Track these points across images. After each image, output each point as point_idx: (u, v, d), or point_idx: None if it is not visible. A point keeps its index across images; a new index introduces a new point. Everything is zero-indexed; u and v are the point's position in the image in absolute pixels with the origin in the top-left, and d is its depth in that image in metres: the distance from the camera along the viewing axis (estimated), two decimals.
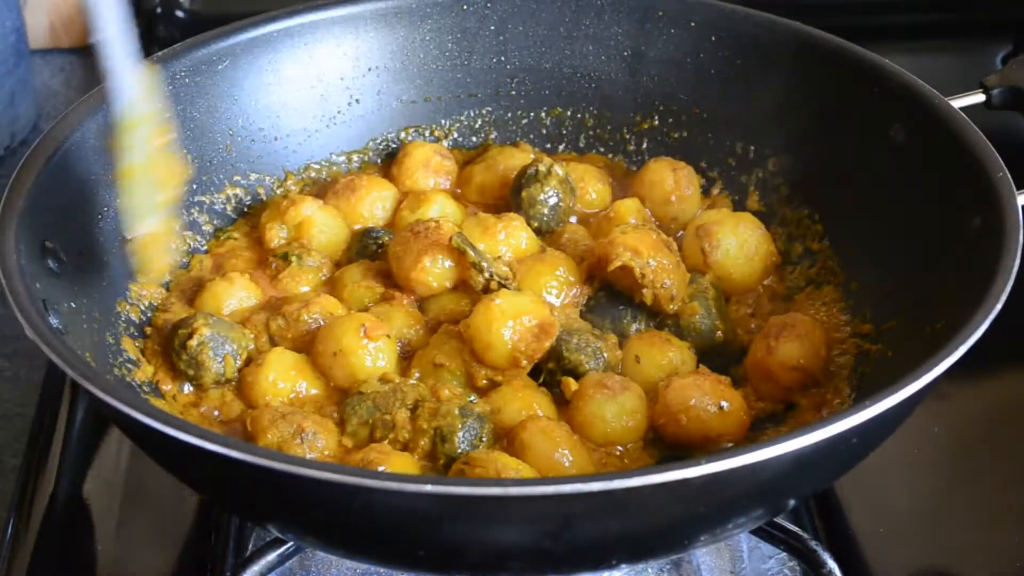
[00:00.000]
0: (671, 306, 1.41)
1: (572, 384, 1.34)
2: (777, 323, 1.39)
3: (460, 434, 1.26)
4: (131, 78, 1.27)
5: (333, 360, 1.35)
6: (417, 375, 1.35)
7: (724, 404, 1.30)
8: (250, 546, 1.34)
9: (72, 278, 1.33)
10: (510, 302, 1.34)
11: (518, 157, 1.60)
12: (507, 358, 1.33)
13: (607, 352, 1.37)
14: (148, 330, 1.41)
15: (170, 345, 1.36)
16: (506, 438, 1.28)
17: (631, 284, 1.40)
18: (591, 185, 1.58)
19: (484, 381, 1.34)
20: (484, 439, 1.27)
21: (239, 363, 1.37)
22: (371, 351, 1.34)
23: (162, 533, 1.39)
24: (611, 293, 1.42)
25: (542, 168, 1.52)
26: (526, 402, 1.31)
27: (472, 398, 1.33)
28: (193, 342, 1.34)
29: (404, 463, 1.24)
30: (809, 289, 1.48)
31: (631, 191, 1.58)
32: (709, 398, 1.30)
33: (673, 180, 1.55)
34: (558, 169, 1.52)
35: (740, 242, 1.48)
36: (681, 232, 1.53)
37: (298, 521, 1.15)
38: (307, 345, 1.38)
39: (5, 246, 1.23)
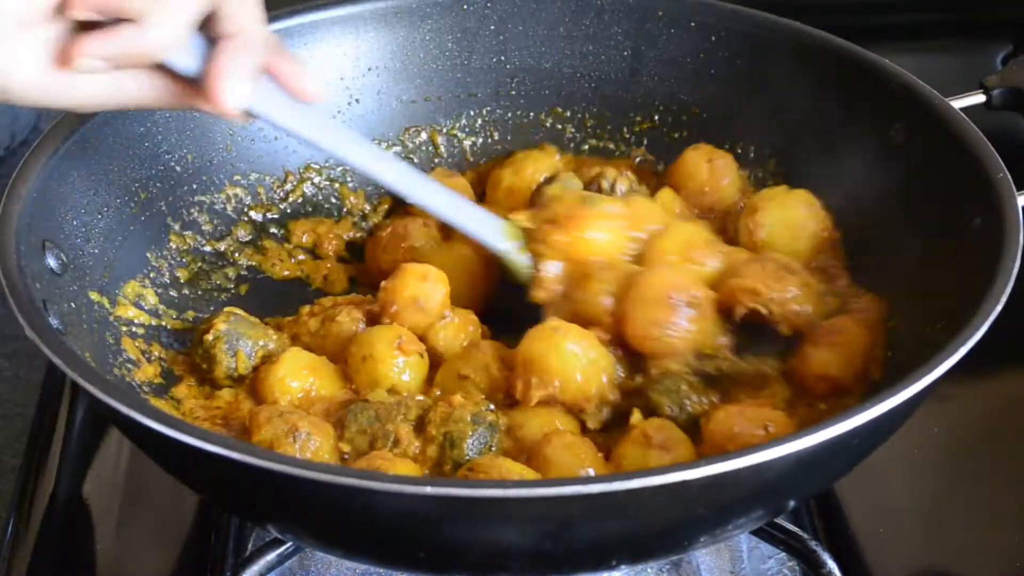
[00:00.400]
0: (811, 326, 1.35)
1: (637, 415, 1.27)
2: (823, 328, 1.33)
3: (469, 440, 1.24)
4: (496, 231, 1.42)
5: (361, 364, 1.34)
6: (438, 393, 1.33)
7: (770, 426, 1.23)
8: (250, 546, 1.34)
9: (72, 278, 1.33)
10: (567, 329, 1.30)
11: (544, 161, 1.58)
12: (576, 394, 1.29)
13: (693, 405, 1.29)
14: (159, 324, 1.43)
15: (193, 341, 1.39)
16: (528, 453, 1.24)
17: (763, 321, 1.35)
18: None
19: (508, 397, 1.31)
20: (493, 448, 1.25)
21: (254, 361, 1.37)
22: (399, 364, 1.33)
23: (162, 533, 1.39)
24: (747, 328, 1.36)
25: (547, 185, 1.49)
26: (548, 418, 1.28)
27: (489, 407, 1.29)
28: (209, 336, 1.36)
29: (407, 469, 1.23)
30: None
31: (666, 181, 1.55)
32: (754, 423, 1.23)
33: (708, 171, 1.52)
34: (571, 183, 1.48)
35: (784, 218, 1.44)
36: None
37: (298, 522, 1.15)
38: (338, 349, 1.37)
39: (5, 246, 1.23)
